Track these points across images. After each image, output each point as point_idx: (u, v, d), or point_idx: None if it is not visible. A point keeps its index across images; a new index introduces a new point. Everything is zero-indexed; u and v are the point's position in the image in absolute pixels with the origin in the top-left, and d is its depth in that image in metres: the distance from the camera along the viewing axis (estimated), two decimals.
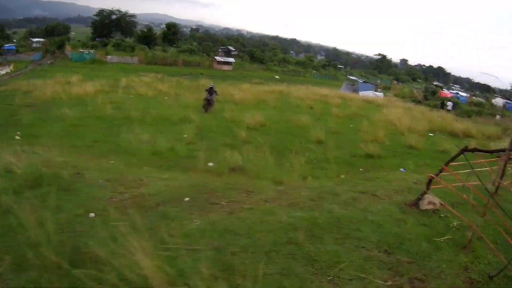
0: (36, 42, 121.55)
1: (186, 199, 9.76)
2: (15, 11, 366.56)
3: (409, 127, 34.53)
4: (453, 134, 36.05)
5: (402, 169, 19.93)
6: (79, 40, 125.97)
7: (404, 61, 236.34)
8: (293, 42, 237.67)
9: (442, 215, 9.85)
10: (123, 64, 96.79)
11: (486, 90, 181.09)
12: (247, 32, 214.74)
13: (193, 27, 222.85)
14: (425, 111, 55.86)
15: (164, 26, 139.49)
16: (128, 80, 58.09)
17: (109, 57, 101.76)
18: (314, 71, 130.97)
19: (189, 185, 11.18)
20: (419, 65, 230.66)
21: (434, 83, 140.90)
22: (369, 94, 77.23)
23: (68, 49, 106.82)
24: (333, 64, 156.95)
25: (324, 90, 67.72)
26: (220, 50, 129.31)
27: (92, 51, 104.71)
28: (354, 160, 22.15)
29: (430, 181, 10.37)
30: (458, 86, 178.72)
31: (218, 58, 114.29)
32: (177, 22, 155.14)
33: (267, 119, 31.38)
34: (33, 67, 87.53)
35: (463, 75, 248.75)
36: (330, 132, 29.25)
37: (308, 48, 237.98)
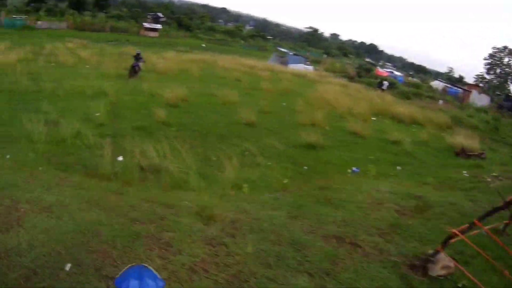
0: None
1: (67, 266, 5.99)
2: None
3: (349, 109, 30.72)
4: (397, 119, 32.73)
5: (354, 169, 17.26)
6: (15, 6, 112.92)
7: (335, 36, 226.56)
8: (223, 11, 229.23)
9: (460, 285, 7.14)
10: (51, 30, 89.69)
11: (421, 71, 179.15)
12: (178, 0, 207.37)
13: None
14: (361, 89, 51.59)
15: None
16: (52, 47, 52.59)
17: (39, 22, 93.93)
18: (242, 41, 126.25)
19: (77, 229, 7.03)
20: (351, 41, 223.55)
21: (366, 60, 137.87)
22: (299, 67, 72.21)
23: (3, 15, 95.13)
24: (261, 34, 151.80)
25: (252, 61, 63.74)
26: (149, 16, 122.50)
27: (24, 16, 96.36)
28: (294, 153, 18.45)
29: (449, 238, 7.55)
30: (390, 64, 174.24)
31: (146, 24, 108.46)
32: None
33: (190, 93, 27.29)
34: None
35: (396, 53, 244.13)
36: (261, 111, 25.39)
37: (237, 18, 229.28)
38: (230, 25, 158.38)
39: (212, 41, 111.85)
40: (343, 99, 34.09)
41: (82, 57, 45.23)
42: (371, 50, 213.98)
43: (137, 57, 34.86)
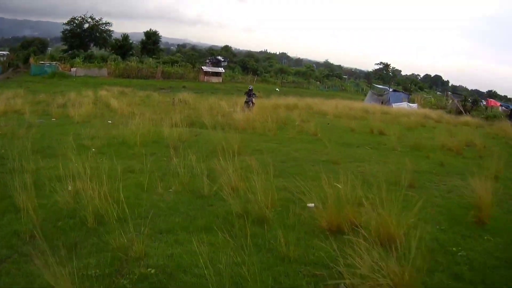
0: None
1: None
2: (4, 31, 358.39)
3: None
4: None
5: None
6: (51, 55, 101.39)
7: (397, 71, 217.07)
8: (283, 56, 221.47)
9: None
10: (89, 77, 77.92)
11: (491, 96, 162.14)
12: (235, 48, 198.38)
13: (179, 44, 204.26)
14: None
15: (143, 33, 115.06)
16: (76, 95, 40.87)
17: (73, 69, 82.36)
18: (318, 83, 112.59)
19: None
20: (414, 75, 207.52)
21: (438, 93, 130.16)
22: (403, 106, 58.46)
23: (31, 62, 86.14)
24: (337, 73, 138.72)
25: (351, 103, 50.39)
26: (208, 60, 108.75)
27: (54, 63, 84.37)
28: None
29: None
30: (457, 94, 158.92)
31: (205, 68, 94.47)
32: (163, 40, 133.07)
33: (347, 185, 8.34)
34: None
35: (455, 83, 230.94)
36: None
37: (299, 62, 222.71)
38: (300, 67, 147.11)
39: (285, 84, 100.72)
40: None
41: (112, 107, 32.34)
42: (437, 82, 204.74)
43: (250, 93, 34.44)
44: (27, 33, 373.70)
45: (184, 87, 70.28)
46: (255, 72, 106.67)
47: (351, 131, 24.67)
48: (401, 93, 75.01)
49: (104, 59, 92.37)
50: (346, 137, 21.57)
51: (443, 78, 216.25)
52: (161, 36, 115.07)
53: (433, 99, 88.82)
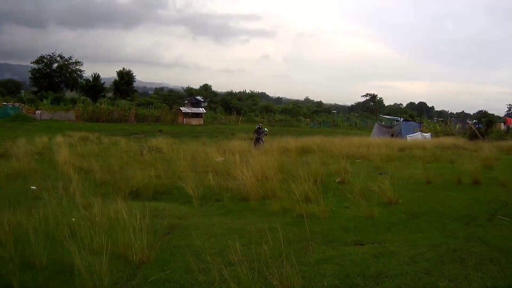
0: None
1: None
2: None
3: None
4: None
5: None
6: (21, 97, 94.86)
7: (381, 102, 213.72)
8: (263, 95, 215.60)
9: None
10: (54, 121, 69.89)
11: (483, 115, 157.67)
12: (213, 90, 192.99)
13: (157, 88, 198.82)
14: None
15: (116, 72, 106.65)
16: (27, 143, 32.31)
17: (38, 112, 74.33)
18: (308, 119, 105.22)
19: None
20: (396, 104, 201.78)
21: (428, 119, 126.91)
22: (417, 136, 55.41)
23: None
24: (326, 109, 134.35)
25: (362, 139, 41.15)
26: (186, 101, 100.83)
27: (17, 105, 76.73)
28: None
29: None
30: (457, 118, 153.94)
31: (184, 109, 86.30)
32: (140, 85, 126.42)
33: None
34: None
35: (438, 108, 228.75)
36: None
37: (278, 101, 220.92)
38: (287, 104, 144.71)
39: (273, 123, 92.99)
40: None
41: (56, 161, 22.05)
42: (422, 109, 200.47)
43: (259, 131, 35.25)
44: (7, 76, 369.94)
45: (160, 131, 62.26)
46: (239, 112, 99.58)
47: (428, 185, 15.90)
48: (412, 122, 69.73)
49: (74, 102, 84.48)
50: (443, 201, 12.96)
51: (427, 105, 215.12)
52: (135, 76, 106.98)
53: (438, 126, 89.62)
